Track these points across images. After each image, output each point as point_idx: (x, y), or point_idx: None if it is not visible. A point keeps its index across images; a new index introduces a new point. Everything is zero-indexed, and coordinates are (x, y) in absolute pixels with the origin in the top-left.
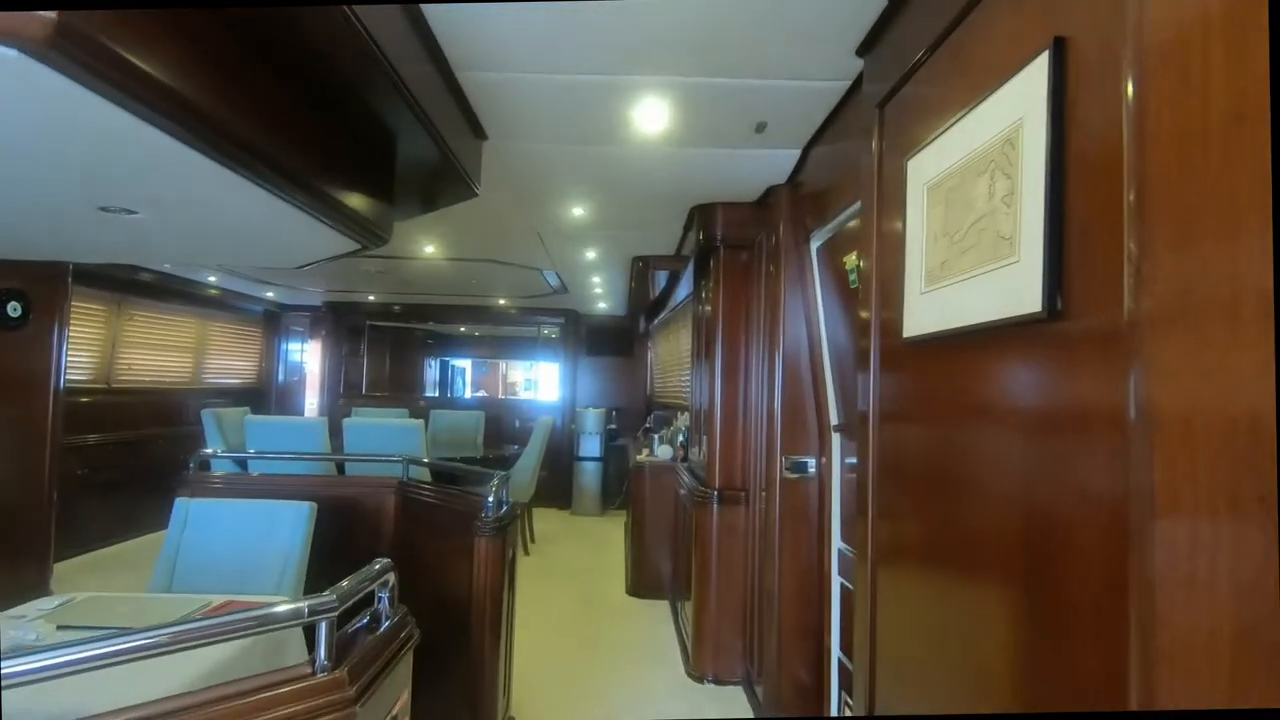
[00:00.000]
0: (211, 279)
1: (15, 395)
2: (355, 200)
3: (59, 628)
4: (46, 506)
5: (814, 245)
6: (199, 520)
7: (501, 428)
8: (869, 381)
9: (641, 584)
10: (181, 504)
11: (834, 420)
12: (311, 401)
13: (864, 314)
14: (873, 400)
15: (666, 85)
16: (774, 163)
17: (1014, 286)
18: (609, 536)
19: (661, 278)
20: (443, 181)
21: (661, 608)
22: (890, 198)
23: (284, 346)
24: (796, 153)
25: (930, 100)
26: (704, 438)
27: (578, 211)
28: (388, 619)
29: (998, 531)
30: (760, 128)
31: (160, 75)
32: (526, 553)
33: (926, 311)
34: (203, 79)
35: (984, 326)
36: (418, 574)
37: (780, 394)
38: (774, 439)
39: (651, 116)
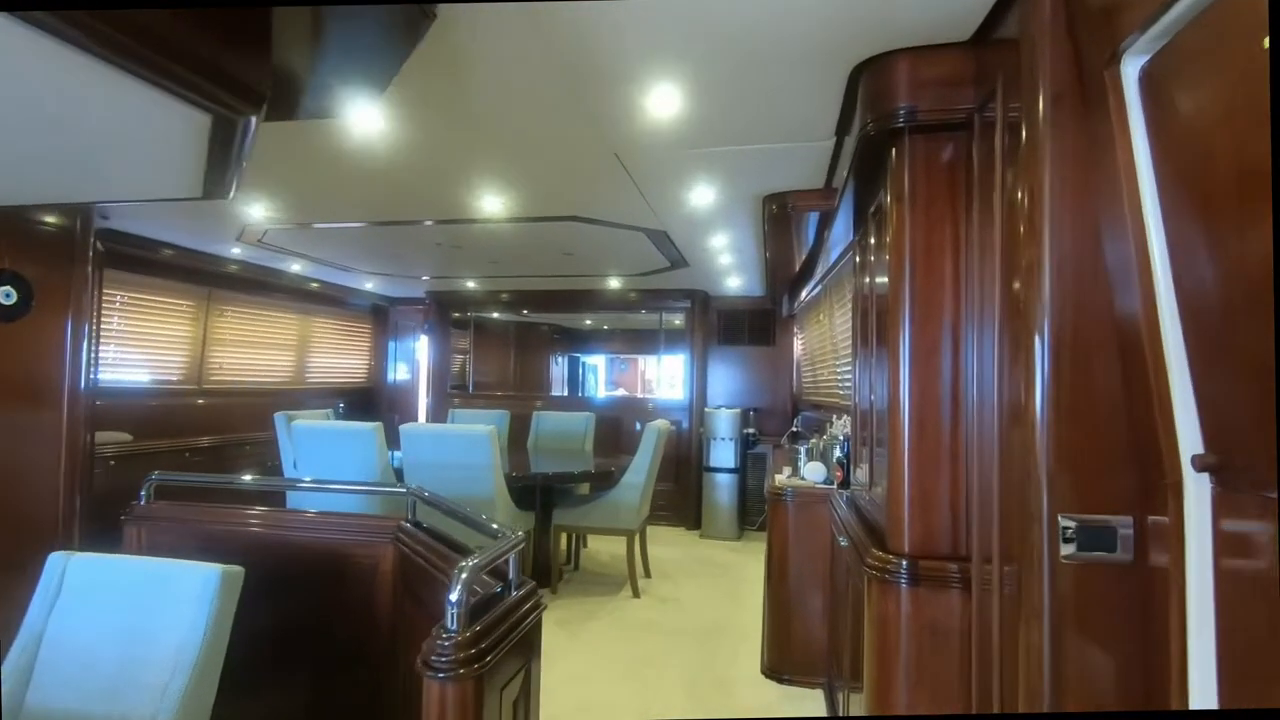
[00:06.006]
0: (295, 268)
1: (12, 399)
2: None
3: None
4: (60, 527)
5: (1130, 72)
6: (78, 588)
7: (621, 431)
8: None
9: (784, 660)
10: (56, 562)
11: (1190, 447)
12: (426, 402)
13: None
14: None
15: None
16: None
17: None
18: (745, 571)
19: (809, 234)
20: None
21: (813, 699)
22: None
23: (394, 344)
24: None
25: None
26: (877, 455)
27: (663, 101)
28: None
29: None
30: None
31: None
32: (635, 594)
33: None
34: None
35: None
36: (399, 682)
37: (1044, 394)
38: (1032, 477)
39: None
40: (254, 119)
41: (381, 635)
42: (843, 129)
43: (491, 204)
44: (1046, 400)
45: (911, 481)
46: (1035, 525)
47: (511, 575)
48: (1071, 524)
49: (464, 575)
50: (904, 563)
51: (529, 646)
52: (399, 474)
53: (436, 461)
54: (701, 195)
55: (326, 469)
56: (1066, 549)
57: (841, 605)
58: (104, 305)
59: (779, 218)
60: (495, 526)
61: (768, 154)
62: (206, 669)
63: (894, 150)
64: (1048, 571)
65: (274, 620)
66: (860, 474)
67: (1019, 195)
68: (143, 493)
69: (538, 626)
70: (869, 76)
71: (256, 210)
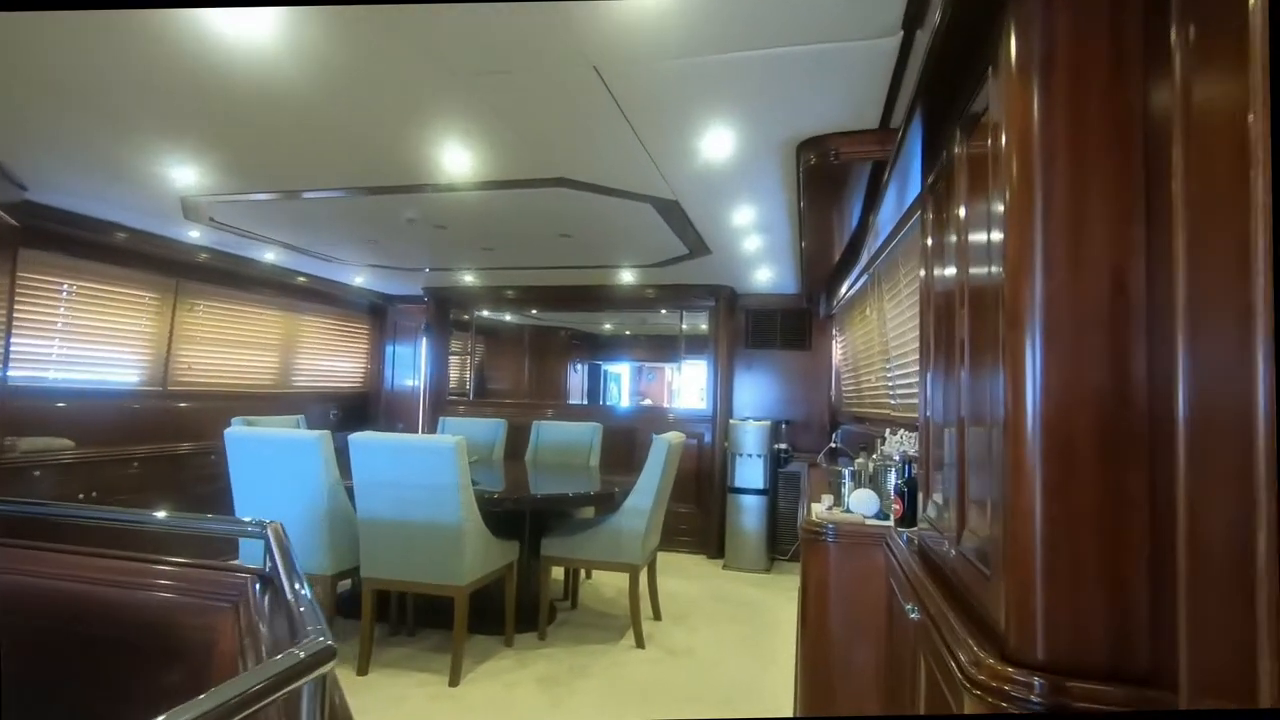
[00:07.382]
0: (270, 256)
1: None
2: None
3: None
4: None
5: None
6: None
7: (636, 444)
8: None
9: None
10: None
11: None
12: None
13: None
14: None
15: None
16: None
17: None
18: (774, 613)
19: (854, 210)
20: None
21: None
22: None
23: (393, 347)
24: None
25: None
26: (974, 490)
27: None
28: None
29: None
30: None
31: None
32: (639, 644)
33: None
34: None
35: None
36: None
37: None
38: None
39: None
40: None
41: None
42: (914, 18)
43: (457, 159)
44: None
45: (1046, 544)
46: None
47: (305, 707)
48: None
49: None
50: (1038, 682)
51: None
52: (352, 494)
53: (393, 480)
54: (717, 141)
55: (264, 486)
56: None
57: (908, 684)
58: (42, 294)
59: (818, 174)
60: (313, 614)
61: (803, 64)
62: None
63: (1011, 19)
64: None
65: (78, 713)
66: (931, 509)
67: None
68: None
69: None
70: None
71: (182, 175)
